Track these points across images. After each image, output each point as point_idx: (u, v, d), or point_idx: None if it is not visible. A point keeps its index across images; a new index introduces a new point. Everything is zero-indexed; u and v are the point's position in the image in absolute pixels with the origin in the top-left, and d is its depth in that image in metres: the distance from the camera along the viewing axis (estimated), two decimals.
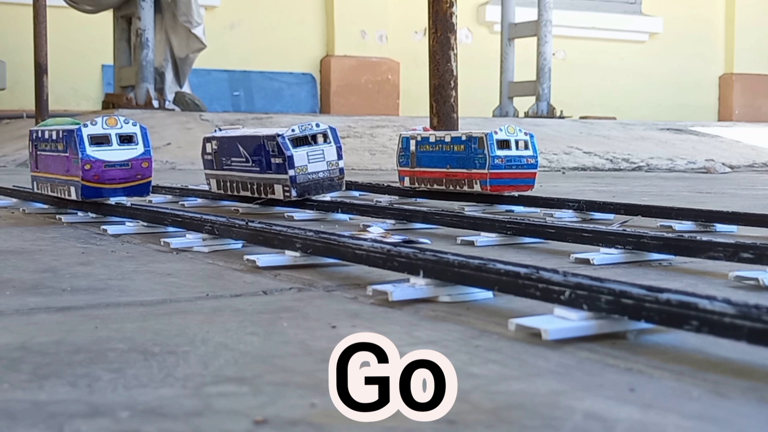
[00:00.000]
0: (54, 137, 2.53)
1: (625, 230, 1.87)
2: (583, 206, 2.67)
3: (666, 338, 1.12)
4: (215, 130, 3.04)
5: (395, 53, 9.77)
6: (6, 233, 2.27)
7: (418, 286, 1.38)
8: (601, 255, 1.80)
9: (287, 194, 2.62)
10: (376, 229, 2.24)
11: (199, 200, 3.14)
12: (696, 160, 7.00)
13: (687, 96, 11.23)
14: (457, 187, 2.96)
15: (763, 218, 2.22)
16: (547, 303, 1.20)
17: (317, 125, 2.64)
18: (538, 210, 2.81)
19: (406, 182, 3.24)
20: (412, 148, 3.17)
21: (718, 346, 1.06)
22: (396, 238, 2.03)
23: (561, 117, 8.61)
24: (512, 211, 2.88)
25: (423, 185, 3.14)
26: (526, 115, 8.70)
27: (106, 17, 7.85)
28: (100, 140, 2.36)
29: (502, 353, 1.06)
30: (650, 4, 11.17)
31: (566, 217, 2.66)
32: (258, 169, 2.72)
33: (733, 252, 1.65)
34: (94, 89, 8.85)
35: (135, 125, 2.40)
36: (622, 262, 1.79)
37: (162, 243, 2.03)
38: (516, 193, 2.91)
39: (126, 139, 2.38)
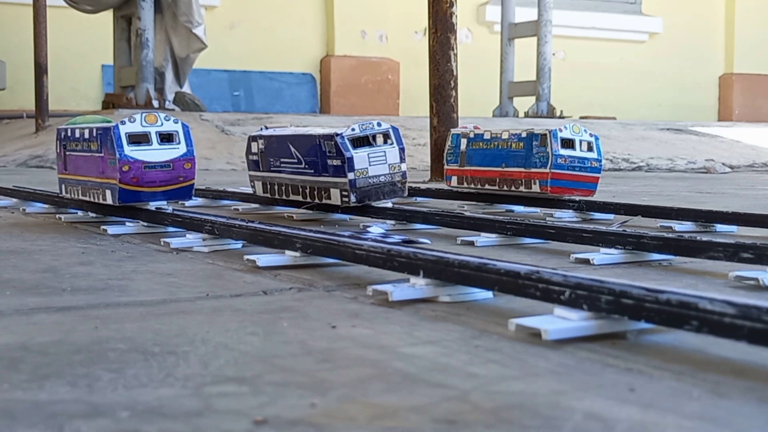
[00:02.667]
0: (86, 136, 2.33)
1: (625, 230, 1.87)
2: (583, 206, 2.67)
3: (666, 338, 1.12)
4: (261, 128, 2.83)
5: (395, 53, 9.77)
6: (6, 233, 2.27)
7: (418, 286, 1.38)
8: (601, 255, 1.80)
9: (345, 200, 2.40)
10: (376, 230, 2.24)
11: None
12: (696, 160, 7.00)
13: (687, 96, 11.23)
14: (513, 188, 2.79)
15: (763, 218, 2.22)
16: (547, 303, 1.20)
17: (378, 124, 2.42)
18: (538, 210, 2.81)
19: (454, 182, 3.07)
20: (463, 145, 3.00)
21: (718, 346, 1.06)
22: (396, 238, 2.04)
23: (561, 117, 8.60)
24: (512, 211, 2.88)
25: (473, 185, 2.97)
26: (526, 115, 8.70)
27: (106, 17, 7.84)
28: (139, 139, 2.18)
29: (502, 353, 1.06)
30: (650, 4, 11.17)
31: (566, 217, 2.66)
32: (312, 171, 2.51)
33: (733, 252, 1.65)
34: (94, 89, 8.85)
35: (176, 122, 2.21)
36: (622, 262, 1.79)
37: (162, 243, 2.03)
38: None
39: (167, 138, 2.19)
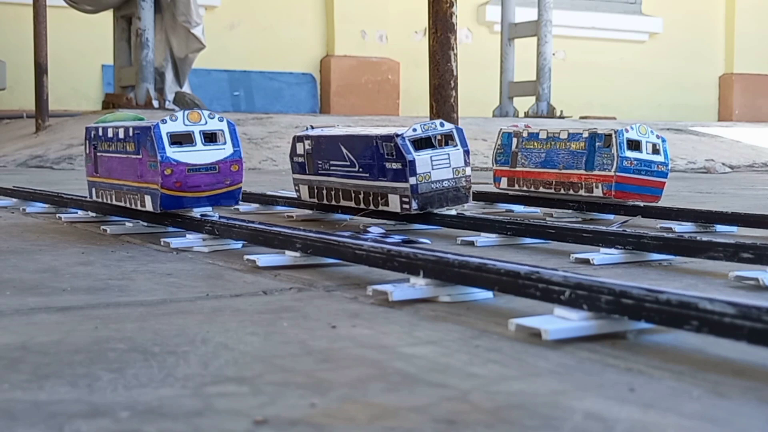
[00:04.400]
0: (121, 136, 2.15)
1: (625, 231, 1.87)
2: (583, 206, 2.67)
3: (666, 338, 1.12)
4: (307, 128, 2.64)
5: (395, 53, 9.77)
6: (6, 233, 2.27)
7: (418, 286, 1.38)
8: (601, 255, 1.80)
9: (406, 206, 2.20)
10: (376, 230, 2.23)
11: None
12: (696, 160, 7.00)
13: (687, 96, 11.23)
14: (571, 191, 2.62)
15: (763, 218, 2.22)
16: (547, 303, 1.20)
17: (441, 124, 2.23)
18: (538, 210, 2.80)
19: (503, 184, 2.88)
20: (514, 145, 2.82)
21: (718, 346, 1.06)
22: (396, 238, 2.04)
23: (561, 117, 8.60)
24: (512, 210, 2.88)
25: (525, 187, 2.78)
26: (526, 115, 8.70)
27: (106, 17, 7.84)
28: (181, 139, 2.01)
29: (502, 353, 1.06)
30: (650, 4, 11.17)
31: (566, 217, 2.66)
32: (367, 175, 2.31)
33: (733, 252, 1.65)
34: (94, 89, 8.85)
35: (221, 121, 2.04)
36: (622, 262, 1.79)
37: (162, 243, 2.03)
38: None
39: (211, 138, 2.03)
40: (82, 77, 8.78)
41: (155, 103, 7.42)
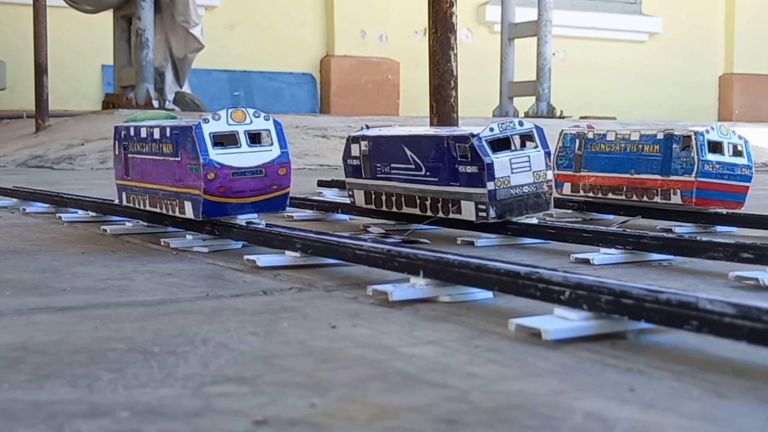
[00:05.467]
0: (157, 136, 2.01)
1: (625, 231, 1.87)
2: (582, 206, 2.66)
3: (666, 338, 1.12)
4: (362, 128, 2.45)
5: (395, 53, 9.77)
6: (6, 233, 2.27)
7: (418, 286, 1.38)
8: (601, 255, 1.80)
9: (482, 214, 2.00)
10: (377, 230, 2.23)
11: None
12: None
13: (687, 96, 11.23)
14: (645, 198, 2.42)
15: (763, 218, 2.22)
16: (547, 303, 1.20)
17: (520, 123, 2.04)
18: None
19: (566, 189, 2.69)
20: (578, 147, 2.63)
21: (718, 346, 1.06)
22: (396, 239, 2.04)
23: (561, 117, 8.60)
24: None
25: (591, 193, 2.59)
26: (526, 115, 8.70)
27: (106, 17, 7.84)
28: (225, 140, 1.86)
29: (502, 353, 1.06)
30: (650, 4, 11.16)
31: (566, 217, 2.65)
32: (436, 179, 2.11)
33: (733, 252, 1.65)
34: (94, 89, 8.85)
35: (267, 119, 1.89)
36: (622, 262, 1.79)
37: (162, 243, 2.03)
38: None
39: (256, 138, 1.88)
40: (82, 77, 8.77)
41: (155, 103, 7.42)
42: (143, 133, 2.07)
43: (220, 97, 9.15)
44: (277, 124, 1.90)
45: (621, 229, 1.92)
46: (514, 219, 2.04)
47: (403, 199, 2.24)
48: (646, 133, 2.45)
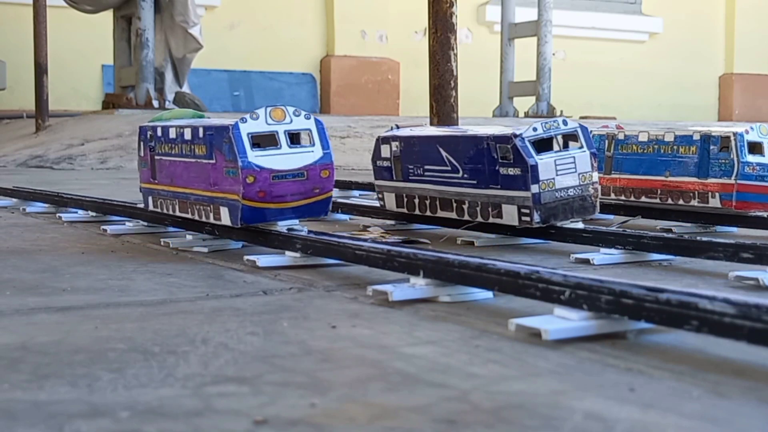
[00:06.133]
0: (188, 137, 1.89)
1: (625, 231, 1.87)
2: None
3: (666, 338, 1.12)
4: (392, 128, 2.34)
5: (395, 53, 9.77)
6: (6, 233, 2.27)
7: (418, 286, 1.38)
8: (601, 255, 1.80)
9: (526, 219, 1.91)
10: (376, 230, 2.23)
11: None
12: None
13: (687, 96, 11.23)
14: (681, 201, 2.33)
15: (763, 218, 2.22)
16: (547, 303, 1.20)
17: (564, 122, 1.94)
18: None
19: None
20: (608, 149, 2.54)
21: (718, 346, 1.06)
22: (396, 239, 2.03)
23: (561, 117, 8.60)
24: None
25: (623, 197, 2.49)
26: (526, 115, 8.70)
27: (106, 17, 7.85)
28: (264, 141, 1.76)
29: (502, 353, 1.06)
30: (650, 4, 11.17)
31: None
32: (474, 182, 2.01)
33: (733, 252, 1.65)
34: (94, 89, 8.85)
35: (308, 118, 1.78)
36: (622, 262, 1.79)
37: (162, 243, 2.03)
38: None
39: (297, 138, 1.78)
40: (82, 77, 8.78)
41: (155, 103, 7.43)
42: (172, 134, 1.96)
43: (220, 97, 9.16)
44: (318, 123, 1.79)
45: (621, 229, 1.92)
46: (559, 224, 1.94)
47: (438, 203, 2.14)
48: (681, 134, 2.35)
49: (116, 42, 7.79)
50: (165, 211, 2.05)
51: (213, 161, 1.81)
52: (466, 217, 2.06)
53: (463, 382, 0.94)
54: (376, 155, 2.32)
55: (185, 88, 7.70)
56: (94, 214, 2.52)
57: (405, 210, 2.26)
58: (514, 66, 8.93)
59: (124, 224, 2.28)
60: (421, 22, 8.04)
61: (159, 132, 2.01)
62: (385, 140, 2.28)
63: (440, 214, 2.15)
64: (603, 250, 1.83)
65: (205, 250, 1.92)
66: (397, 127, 2.33)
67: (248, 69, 9.39)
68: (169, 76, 7.59)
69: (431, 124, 4.35)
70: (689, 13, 11.30)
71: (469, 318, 1.26)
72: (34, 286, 1.51)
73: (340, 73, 9.60)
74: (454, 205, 2.09)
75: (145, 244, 2.06)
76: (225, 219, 1.81)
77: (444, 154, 2.09)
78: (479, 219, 2.03)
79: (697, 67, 11.37)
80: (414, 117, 7.69)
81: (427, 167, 2.15)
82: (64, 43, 8.29)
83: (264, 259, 1.70)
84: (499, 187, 1.95)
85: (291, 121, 1.76)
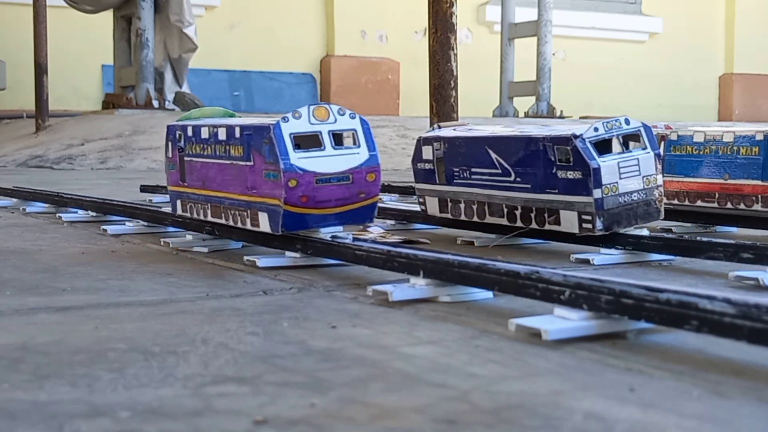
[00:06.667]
0: (222, 137, 1.78)
1: (624, 231, 1.87)
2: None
3: (666, 338, 1.12)
4: (434, 128, 2.22)
5: (395, 53, 9.77)
6: (6, 233, 2.27)
7: (418, 286, 1.38)
8: (601, 255, 1.80)
9: (587, 226, 1.79)
10: (376, 230, 2.23)
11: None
12: None
13: (687, 96, 11.24)
14: (742, 205, 2.19)
15: (763, 218, 2.22)
16: (547, 303, 1.20)
17: (627, 121, 1.81)
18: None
19: None
20: (660, 150, 2.30)
21: (718, 346, 1.06)
22: (396, 239, 2.03)
23: (561, 117, 8.61)
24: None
25: (677, 200, 2.34)
26: (526, 115, 8.71)
27: (106, 17, 7.85)
28: (307, 142, 1.64)
29: (502, 353, 1.06)
30: (650, 4, 11.17)
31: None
32: (528, 186, 1.89)
33: (733, 252, 1.65)
34: (94, 89, 8.85)
35: (353, 117, 1.67)
36: (622, 263, 1.79)
37: (162, 243, 2.03)
38: None
39: (341, 139, 1.66)
40: (82, 77, 8.78)
41: (155, 103, 7.43)
42: (204, 134, 1.84)
43: (220, 97, 9.16)
44: (363, 122, 1.67)
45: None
46: (622, 231, 1.82)
47: (486, 208, 2.01)
48: (742, 134, 2.20)
49: (116, 42, 7.80)
50: (195, 215, 1.94)
51: (251, 163, 1.69)
52: (519, 224, 1.94)
53: (463, 382, 0.94)
54: (417, 157, 2.18)
55: (185, 88, 7.71)
56: (94, 214, 2.52)
57: (449, 215, 2.13)
58: (514, 66, 8.93)
59: (124, 224, 2.28)
60: (421, 22, 8.04)
61: (189, 132, 1.90)
62: (427, 141, 2.15)
63: (489, 220, 2.02)
64: (603, 250, 1.83)
65: (205, 250, 1.92)
66: (439, 126, 2.20)
67: (248, 69, 9.40)
68: (168, 76, 7.59)
69: (431, 124, 4.33)
70: (689, 14, 11.30)
71: (469, 318, 1.26)
72: (34, 286, 1.51)
73: (340, 73, 9.60)
74: (505, 210, 1.96)
75: (145, 244, 2.06)
76: (264, 225, 1.69)
77: (493, 156, 1.96)
78: (533, 226, 1.91)
79: (697, 67, 11.38)
80: (414, 117, 7.70)
81: (474, 170, 2.02)
82: (64, 43, 8.29)
83: (264, 260, 1.70)
84: (556, 191, 1.83)
85: (335, 120, 1.64)
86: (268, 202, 1.65)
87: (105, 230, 2.25)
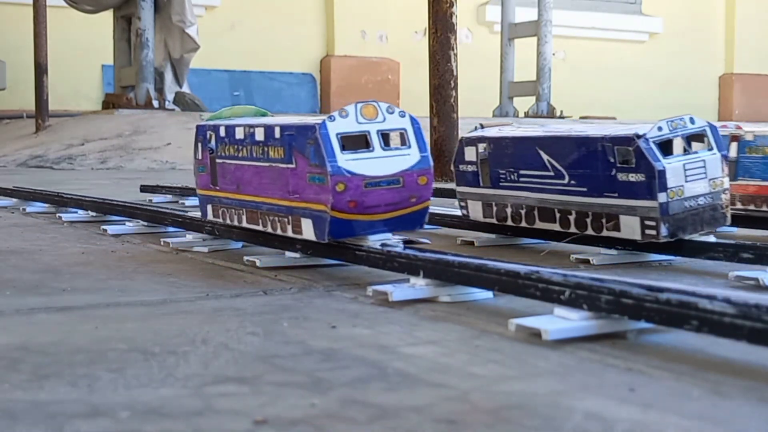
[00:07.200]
0: (260, 137, 1.66)
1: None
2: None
3: (666, 338, 1.12)
4: (476, 128, 2.09)
5: (395, 53, 9.78)
6: (6, 233, 2.27)
7: (418, 286, 1.38)
8: (601, 255, 1.80)
9: (651, 232, 1.66)
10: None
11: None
12: None
13: (687, 96, 11.24)
14: None
15: (763, 218, 2.22)
16: (547, 303, 1.20)
17: (692, 120, 1.69)
18: None
19: None
20: (732, 151, 2.21)
21: (718, 346, 1.06)
22: (396, 239, 2.03)
23: (561, 117, 8.61)
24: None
25: (752, 206, 2.17)
26: (526, 115, 8.71)
27: (106, 17, 7.85)
28: (355, 142, 1.52)
29: (502, 353, 1.06)
30: (650, 4, 11.17)
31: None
32: (584, 189, 1.77)
33: (733, 252, 1.65)
34: (94, 89, 8.85)
35: (403, 116, 1.55)
36: (622, 263, 1.79)
37: (162, 243, 2.03)
38: None
39: (388, 139, 1.55)
40: (82, 77, 8.78)
41: (155, 103, 7.43)
42: (239, 134, 1.72)
43: (220, 97, 9.16)
44: (414, 121, 1.56)
45: None
46: (687, 237, 1.71)
47: (536, 213, 1.89)
48: None
49: (116, 42, 7.80)
50: (228, 221, 1.82)
51: (292, 166, 1.57)
52: (572, 230, 1.83)
53: (463, 382, 0.94)
54: (459, 158, 2.08)
55: (185, 88, 7.71)
56: (94, 214, 2.52)
57: (494, 220, 2.01)
58: (514, 66, 8.94)
59: (124, 224, 2.28)
60: (421, 22, 8.04)
61: (222, 132, 1.78)
62: (470, 142, 2.04)
63: (539, 225, 1.90)
64: (603, 250, 1.82)
65: (205, 250, 1.92)
66: (482, 126, 2.08)
67: (248, 69, 9.40)
68: (168, 76, 7.60)
69: (431, 124, 4.31)
70: (689, 14, 11.31)
71: (469, 318, 1.26)
72: (34, 286, 1.51)
73: (340, 73, 9.61)
74: (558, 215, 1.85)
75: (145, 244, 2.06)
76: (308, 233, 1.57)
77: (545, 157, 1.85)
78: (589, 231, 1.80)
79: (697, 67, 11.38)
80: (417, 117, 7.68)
81: (522, 172, 1.91)
82: (64, 43, 8.29)
83: (264, 259, 1.70)
84: (616, 195, 1.71)
85: (384, 119, 1.53)
86: (314, 207, 1.53)
87: (105, 230, 2.25)
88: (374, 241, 1.55)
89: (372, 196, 1.50)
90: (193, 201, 3.11)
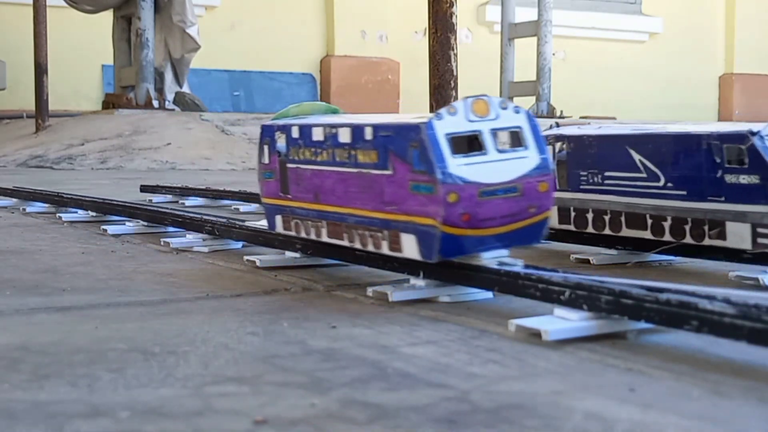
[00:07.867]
0: (345, 139, 1.43)
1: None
2: None
3: (666, 338, 1.12)
4: (552, 126, 1.90)
5: (395, 53, 9.78)
6: (6, 233, 2.27)
7: (418, 286, 1.38)
8: (601, 255, 1.80)
9: (765, 240, 1.50)
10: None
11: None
12: None
13: (687, 96, 11.24)
14: None
15: None
16: (547, 303, 1.20)
17: None
18: None
19: None
20: None
21: (718, 346, 1.06)
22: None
23: (561, 117, 8.61)
24: None
25: None
26: None
27: (106, 17, 7.85)
28: (467, 144, 1.28)
29: (502, 353, 1.06)
30: (650, 4, 11.17)
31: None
32: (683, 192, 1.60)
33: (733, 252, 1.65)
34: (94, 89, 8.85)
35: (518, 112, 1.32)
36: (622, 263, 1.79)
37: (162, 243, 2.03)
38: None
39: (506, 140, 1.33)
40: (82, 77, 8.78)
41: (155, 103, 7.43)
42: (317, 135, 1.49)
43: (220, 97, 9.16)
44: (530, 118, 1.33)
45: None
46: None
47: (623, 219, 1.73)
48: None
49: (116, 42, 7.80)
50: (303, 235, 1.58)
51: (389, 172, 1.34)
52: (667, 238, 1.66)
53: (463, 382, 0.94)
54: None
55: (185, 88, 7.71)
56: (94, 214, 2.52)
57: (572, 227, 1.84)
58: (514, 66, 8.94)
59: (124, 224, 2.28)
60: (421, 22, 8.04)
61: (295, 132, 1.55)
62: (548, 141, 1.81)
63: (626, 232, 1.73)
64: (603, 250, 1.82)
65: (205, 250, 1.92)
66: (557, 125, 1.92)
67: (248, 69, 9.40)
68: (168, 76, 7.60)
69: None
70: (689, 13, 11.31)
71: (469, 318, 1.26)
72: (34, 286, 1.51)
73: (340, 73, 9.61)
74: (650, 222, 1.68)
75: (145, 244, 2.06)
76: (410, 250, 1.33)
77: (636, 157, 1.68)
78: (688, 240, 1.62)
79: (697, 67, 11.38)
80: None
81: (608, 174, 1.74)
82: (64, 43, 8.30)
83: (264, 259, 1.70)
84: (722, 199, 1.54)
85: (497, 116, 1.30)
86: (417, 221, 1.30)
87: (105, 230, 2.25)
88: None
89: (487, 207, 1.27)
90: (193, 201, 3.12)
